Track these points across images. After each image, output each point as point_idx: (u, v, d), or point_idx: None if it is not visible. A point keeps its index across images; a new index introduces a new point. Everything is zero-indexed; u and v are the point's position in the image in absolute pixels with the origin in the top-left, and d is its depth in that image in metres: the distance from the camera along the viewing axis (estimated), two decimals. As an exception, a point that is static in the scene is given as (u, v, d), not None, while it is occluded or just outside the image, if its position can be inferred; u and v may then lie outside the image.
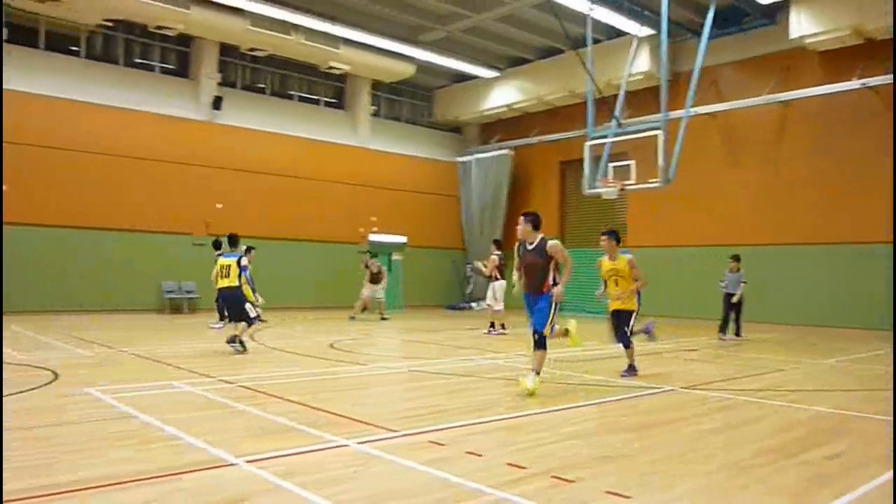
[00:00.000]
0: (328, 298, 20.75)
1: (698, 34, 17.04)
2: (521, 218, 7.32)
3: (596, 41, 18.08)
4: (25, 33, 17.96)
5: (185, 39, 20.34)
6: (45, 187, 17.52)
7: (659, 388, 7.68)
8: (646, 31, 18.51)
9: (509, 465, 4.36)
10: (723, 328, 13.94)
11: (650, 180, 16.05)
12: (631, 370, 8.54)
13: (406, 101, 26.26)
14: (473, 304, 24.03)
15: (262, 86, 22.55)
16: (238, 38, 19.69)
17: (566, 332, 7.76)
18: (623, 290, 8.60)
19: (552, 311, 7.10)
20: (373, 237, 22.95)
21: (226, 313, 12.66)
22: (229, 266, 10.61)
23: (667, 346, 12.70)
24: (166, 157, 19.41)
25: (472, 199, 25.62)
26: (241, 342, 10.18)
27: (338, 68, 21.67)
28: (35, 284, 17.21)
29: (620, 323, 8.66)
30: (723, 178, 19.53)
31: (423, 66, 22.92)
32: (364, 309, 18.62)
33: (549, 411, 6.24)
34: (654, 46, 18.68)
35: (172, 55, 20.76)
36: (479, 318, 18.65)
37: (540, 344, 7.13)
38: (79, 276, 17.84)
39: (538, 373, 7.06)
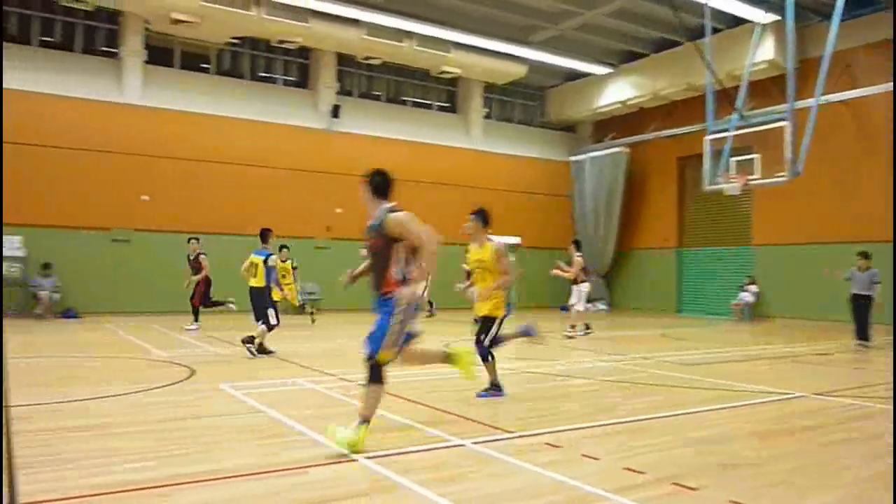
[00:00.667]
0: (444, 299, 20.97)
1: (828, 17, 15.96)
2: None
3: (715, 30, 17.37)
4: (163, 54, 19.48)
5: (304, 52, 21.33)
6: (180, 196, 18.85)
7: (788, 393, 7.28)
8: (770, 16, 17.57)
9: (627, 469, 4.28)
10: (859, 334, 12.55)
11: (777, 174, 15.22)
12: (494, 390, 6.88)
13: (518, 101, 26.22)
14: (589, 306, 23.60)
15: (378, 93, 23.22)
16: (354, 47, 20.43)
17: (447, 358, 5.63)
18: (489, 287, 6.94)
19: (394, 323, 4.82)
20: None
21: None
22: (257, 265, 10.31)
23: (796, 350, 12.03)
24: (289, 165, 20.43)
25: (585, 199, 25.21)
26: (252, 346, 9.74)
27: (449, 72, 22.02)
28: (171, 287, 18.47)
29: (480, 331, 7.00)
30: (857, 170, 18.21)
31: (535, 66, 22.81)
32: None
33: (669, 416, 6.06)
34: (778, 33, 17.71)
35: (293, 67, 21.78)
36: (590, 318, 18.36)
37: (373, 376, 4.82)
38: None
39: (366, 421, 4.73)
